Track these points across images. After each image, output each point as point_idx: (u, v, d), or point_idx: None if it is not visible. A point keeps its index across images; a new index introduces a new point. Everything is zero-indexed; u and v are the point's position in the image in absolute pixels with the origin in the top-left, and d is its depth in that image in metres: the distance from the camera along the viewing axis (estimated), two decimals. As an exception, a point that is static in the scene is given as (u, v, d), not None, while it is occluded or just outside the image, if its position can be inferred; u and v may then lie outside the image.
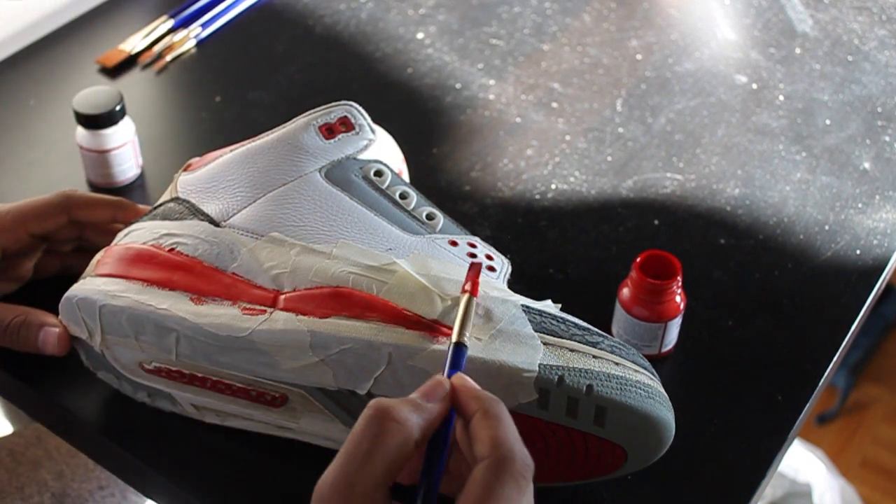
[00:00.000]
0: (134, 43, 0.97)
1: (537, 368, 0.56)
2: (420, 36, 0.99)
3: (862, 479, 1.70)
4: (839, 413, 1.81)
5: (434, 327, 0.57)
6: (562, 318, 0.59)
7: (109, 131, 0.80)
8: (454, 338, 0.54)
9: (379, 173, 0.66)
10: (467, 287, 0.57)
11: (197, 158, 0.71)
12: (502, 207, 0.82)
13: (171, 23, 0.99)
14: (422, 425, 0.48)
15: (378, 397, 0.48)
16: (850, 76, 0.96)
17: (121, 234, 0.66)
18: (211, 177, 0.67)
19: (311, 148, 0.65)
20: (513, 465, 0.46)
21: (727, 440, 0.67)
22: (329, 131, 0.66)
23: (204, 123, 0.90)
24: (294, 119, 0.67)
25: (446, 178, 0.85)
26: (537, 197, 0.83)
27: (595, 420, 0.57)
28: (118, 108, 0.80)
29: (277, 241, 0.62)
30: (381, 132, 0.70)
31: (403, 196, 0.66)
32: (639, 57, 0.98)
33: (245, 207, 0.64)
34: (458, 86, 0.94)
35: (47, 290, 0.68)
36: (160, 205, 0.67)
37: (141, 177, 0.84)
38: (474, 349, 0.56)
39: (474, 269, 0.58)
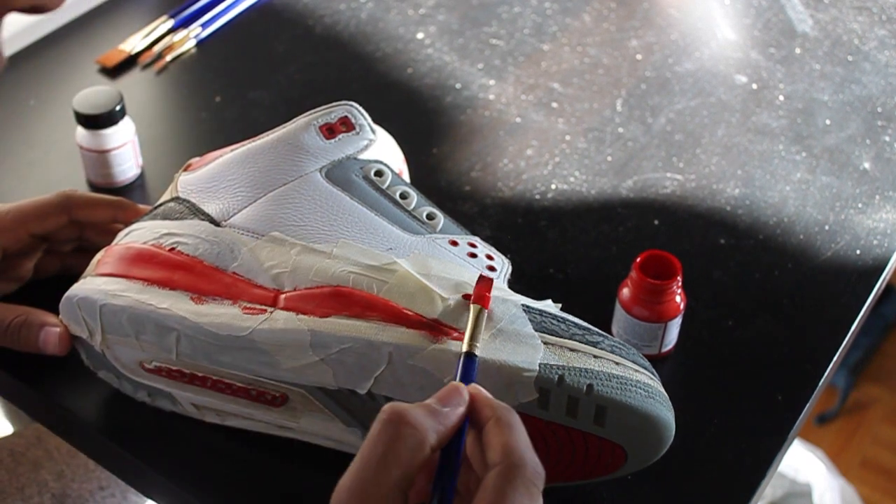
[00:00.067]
0: (134, 43, 0.97)
1: (537, 368, 0.56)
2: (420, 36, 0.99)
3: (862, 479, 1.70)
4: (839, 413, 1.81)
5: (434, 327, 0.57)
6: (562, 317, 0.59)
7: (109, 131, 0.80)
8: (464, 347, 0.54)
9: (379, 173, 0.66)
10: (472, 295, 0.57)
11: (197, 158, 0.71)
12: (502, 207, 0.82)
13: (171, 23, 0.99)
14: (438, 430, 0.48)
15: (391, 401, 0.48)
16: (850, 76, 0.96)
17: (121, 234, 0.66)
18: (211, 176, 0.67)
19: (311, 148, 0.65)
20: (524, 473, 0.46)
21: (727, 440, 0.67)
22: (329, 131, 0.66)
23: (204, 123, 0.90)
24: (294, 119, 0.67)
25: (446, 178, 0.85)
26: (537, 197, 0.83)
27: (595, 420, 0.57)
28: (118, 108, 0.80)
29: (278, 240, 0.62)
30: (381, 132, 0.70)
31: (404, 196, 0.66)
32: (639, 57, 0.98)
33: (245, 207, 0.64)
34: (458, 86, 0.94)
35: (47, 290, 0.68)
36: (160, 204, 0.67)
37: (141, 177, 0.84)
38: (475, 349, 0.56)
39: (486, 283, 0.58)
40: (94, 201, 0.71)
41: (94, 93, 0.80)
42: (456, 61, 0.97)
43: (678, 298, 0.69)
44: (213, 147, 0.72)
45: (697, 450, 0.66)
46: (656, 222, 0.81)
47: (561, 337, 0.58)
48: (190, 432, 0.66)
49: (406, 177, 0.73)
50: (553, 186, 0.84)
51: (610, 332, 0.72)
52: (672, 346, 0.71)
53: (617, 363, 0.57)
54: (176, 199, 0.67)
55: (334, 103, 0.67)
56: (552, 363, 0.56)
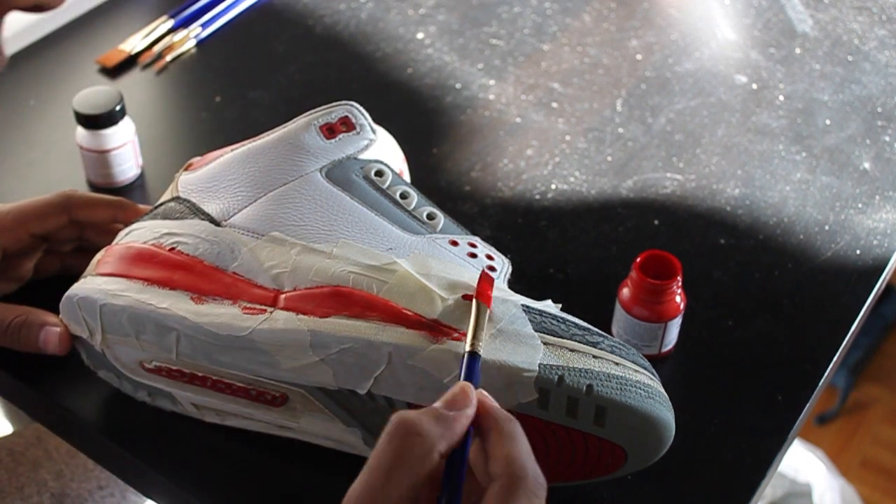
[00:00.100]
0: (134, 43, 0.97)
1: (537, 368, 0.56)
2: (420, 36, 0.99)
3: (862, 479, 1.70)
4: (839, 413, 1.81)
5: (434, 327, 0.57)
6: (562, 317, 0.59)
7: (109, 131, 0.80)
8: (467, 346, 0.54)
9: (380, 173, 0.66)
10: (475, 292, 0.57)
11: (198, 158, 0.71)
12: (502, 207, 0.82)
13: (171, 23, 0.99)
14: (446, 436, 0.47)
15: (391, 401, 0.48)
16: (850, 76, 0.96)
17: (121, 234, 0.66)
18: (212, 176, 0.67)
19: (311, 148, 0.65)
20: (526, 484, 0.46)
21: (727, 440, 0.67)
22: (330, 131, 0.66)
23: (204, 123, 0.90)
24: (295, 119, 0.67)
25: (446, 178, 0.85)
26: (537, 197, 0.83)
27: (595, 420, 0.57)
28: (118, 108, 0.80)
29: (278, 240, 0.62)
30: (381, 132, 0.70)
31: (404, 196, 0.66)
32: (639, 57, 0.98)
33: (246, 207, 0.64)
34: (458, 86, 0.94)
35: (47, 290, 0.68)
36: (161, 204, 0.67)
37: (141, 177, 0.84)
38: (475, 349, 0.56)
39: (488, 281, 0.58)
40: (94, 201, 0.71)
41: (94, 93, 0.80)
42: (456, 61, 0.97)
43: (678, 298, 0.69)
44: (214, 147, 0.72)
45: (697, 450, 0.66)
46: (656, 222, 0.81)
47: (561, 337, 0.58)
48: (190, 432, 0.66)
49: (406, 177, 0.73)
50: (553, 186, 0.84)
51: (610, 332, 0.72)
52: (672, 346, 0.71)
53: (617, 363, 0.57)
54: (176, 198, 0.67)
55: (334, 103, 0.67)
56: (552, 363, 0.56)
